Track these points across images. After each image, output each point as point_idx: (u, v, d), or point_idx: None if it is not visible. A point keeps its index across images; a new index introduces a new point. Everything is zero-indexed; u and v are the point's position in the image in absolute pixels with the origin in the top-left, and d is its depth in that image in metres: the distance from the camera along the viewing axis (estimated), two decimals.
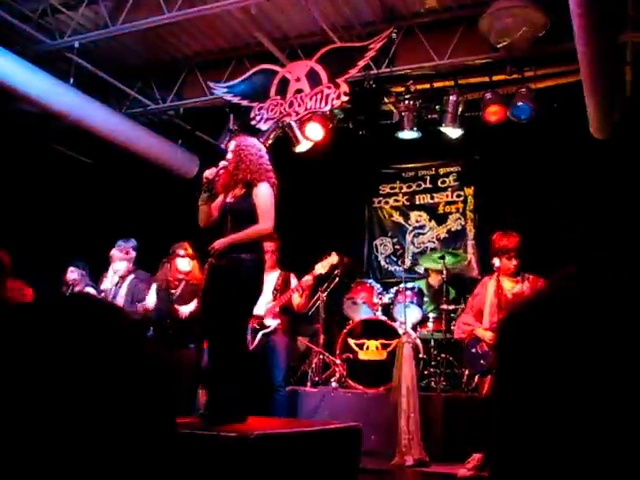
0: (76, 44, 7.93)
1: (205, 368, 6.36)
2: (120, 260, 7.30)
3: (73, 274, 7.83)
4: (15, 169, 9.35)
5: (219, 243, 4.93)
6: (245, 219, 4.96)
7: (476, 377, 6.63)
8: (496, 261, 5.84)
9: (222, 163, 5.13)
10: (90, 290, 7.73)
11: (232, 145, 5.22)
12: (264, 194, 5.01)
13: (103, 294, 7.35)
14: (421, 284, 8.16)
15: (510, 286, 5.84)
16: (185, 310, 6.72)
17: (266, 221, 4.95)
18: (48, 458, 0.90)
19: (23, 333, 0.97)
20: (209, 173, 5.08)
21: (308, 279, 7.28)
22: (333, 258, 7.36)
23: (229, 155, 5.14)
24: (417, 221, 9.61)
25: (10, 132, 9.31)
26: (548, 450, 0.84)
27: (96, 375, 0.94)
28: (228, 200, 5.09)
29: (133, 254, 7.39)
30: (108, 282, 7.42)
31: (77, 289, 7.75)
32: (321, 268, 7.29)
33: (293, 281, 7.38)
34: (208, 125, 9.61)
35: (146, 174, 9.69)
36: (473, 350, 5.85)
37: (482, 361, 5.75)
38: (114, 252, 7.35)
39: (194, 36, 8.44)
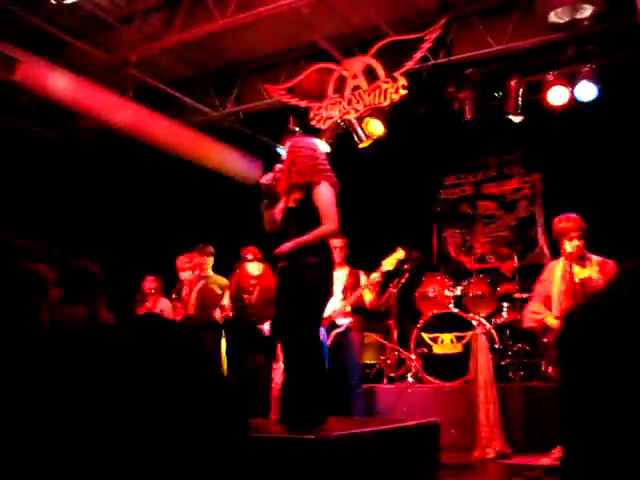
0: (133, 58, 8.06)
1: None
2: (187, 269, 7.38)
3: (152, 283, 7.94)
4: (83, 185, 9.57)
5: (284, 247, 4.92)
6: (308, 222, 4.92)
7: (550, 368, 6.49)
8: (565, 243, 5.64)
9: (277, 167, 5.10)
10: (164, 301, 7.85)
11: (286, 147, 5.19)
12: (324, 194, 4.95)
13: (176, 303, 7.46)
14: (493, 274, 8.02)
15: (577, 270, 5.58)
16: (267, 326, 6.74)
17: (330, 222, 4.90)
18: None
19: (104, 354, 0.98)
20: (265, 179, 5.04)
21: (375, 276, 7.25)
22: (399, 254, 7.31)
23: (284, 157, 5.12)
24: (485, 210, 9.46)
25: (75, 151, 9.55)
26: (616, 442, 0.81)
27: (172, 392, 0.95)
28: (289, 204, 5.07)
29: (200, 261, 7.44)
30: (180, 291, 7.53)
31: (152, 299, 7.87)
32: (388, 265, 7.25)
33: (363, 278, 7.35)
34: (269, 128, 9.64)
35: (211, 182, 9.80)
36: (545, 340, 5.68)
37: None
38: (180, 261, 7.44)
39: (248, 40, 8.46)
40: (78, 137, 9.53)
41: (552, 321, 5.53)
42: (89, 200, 9.60)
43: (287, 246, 4.90)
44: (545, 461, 5.27)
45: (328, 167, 5.07)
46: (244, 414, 1.01)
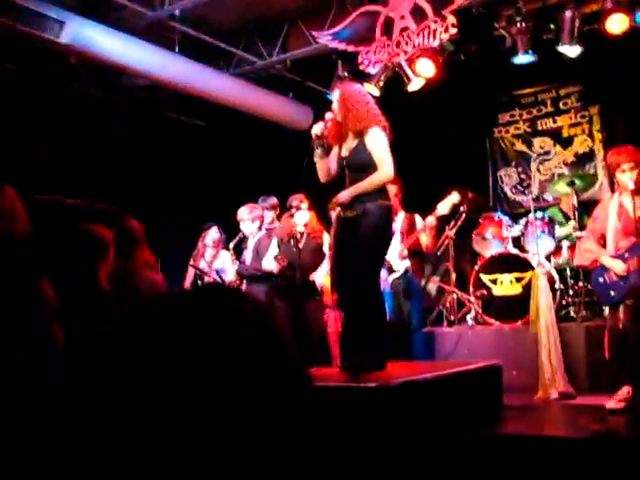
0: (177, 11, 8.01)
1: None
2: (246, 220, 7.38)
3: (214, 235, 7.98)
4: (133, 141, 9.64)
5: (343, 196, 4.90)
6: (363, 169, 4.89)
7: (606, 308, 6.34)
8: (620, 177, 5.39)
9: (328, 115, 5.05)
10: (225, 253, 7.89)
11: (336, 94, 5.11)
12: (378, 140, 4.90)
13: (231, 253, 7.50)
14: (552, 212, 7.86)
15: (634, 205, 5.24)
16: (319, 278, 6.74)
17: (385, 167, 4.86)
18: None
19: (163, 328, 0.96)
20: (317, 129, 4.99)
21: (431, 220, 7.21)
22: (454, 197, 7.23)
23: (334, 105, 5.05)
24: (541, 147, 9.24)
25: (124, 106, 9.59)
26: None
27: (233, 362, 0.93)
28: (343, 154, 5.03)
29: (260, 213, 7.44)
30: (241, 243, 7.54)
31: (213, 251, 7.91)
32: (443, 208, 7.19)
33: (419, 222, 7.31)
34: (318, 75, 9.53)
35: (260, 131, 9.78)
36: (600, 280, 5.44)
37: (612, 292, 5.36)
38: (241, 212, 7.43)
39: None
40: (128, 95, 9.57)
41: (609, 261, 5.36)
42: (144, 157, 9.67)
43: (346, 194, 4.88)
44: (610, 404, 5.20)
45: (379, 111, 5.01)
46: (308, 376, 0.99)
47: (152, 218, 9.16)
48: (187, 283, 8.09)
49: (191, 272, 8.11)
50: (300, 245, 6.80)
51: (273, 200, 7.82)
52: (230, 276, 7.85)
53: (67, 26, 6.73)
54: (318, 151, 5.01)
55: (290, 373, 1.01)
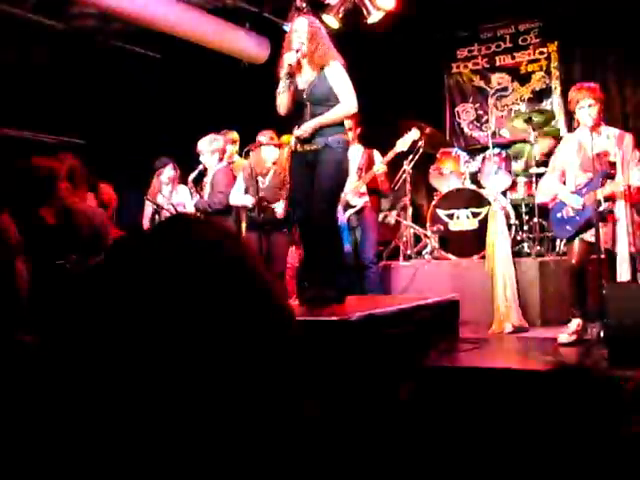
0: None
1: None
2: (207, 152, 7.26)
3: (170, 171, 7.85)
4: (83, 73, 9.37)
5: (306, 127, 4.85)
6: (325, 102, 4.86)
7: (562, 243, 6.47)
8: (579, 113, 5.43)
9: (296, 45, 4.94)
10: (183, 188, 7.80)
11: (302, 25, 4.98)
12: (340, 72, 4.88)
13: (190, 186, 7.40)
14: (508, 148, 7.88)
15: (593, 143, 5.27)
16: (280, 209, 6.70)
17: (350, 99, 4.85)
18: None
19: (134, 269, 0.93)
20: (292, 59, 4.89)
21: (389, 156, 7.22)
22: (414, 133, 7.22)
23: (300, 35, 4.94)
24: (499, 83, 9.20)
25: (73, 37, 9.28)
26: None
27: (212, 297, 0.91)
28: (300, 87, 4.96)
29: (220, 145, 7.32)
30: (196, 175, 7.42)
31: (170, 187, 7.81)
32: (402, 145, 7.19)
33: (377, 158, 7.30)
34: (274, 5, 9.31)
35: (217, 63, 9.57)
36: (559, 215, 5.54)
37: (568, 226, 5.45)
38: (201, 144, 7.30)
39: None
40: (78, 24, 9.25)
41: (568, 196, 5.44)
42: (96, 89, 9.43)
43: (310, 125, 4.83)
44: (562, 337, 5.34)
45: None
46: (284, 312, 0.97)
47: (106, 153, 9.03)
48: (145, 219, 8.00)
49: (149, 208, 8.01)
50: (267, 180, 6.77)
51: (233, 134, 7.72)
52: (189, 209, 7.79)
53: None
54: (287, 82, 4.91)
55: (269, 304, 0.98)
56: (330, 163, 4.81)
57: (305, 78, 4.94)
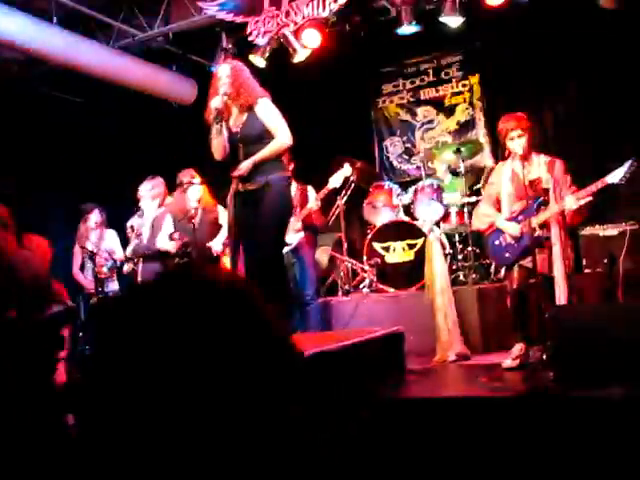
0: None
1: None
2: (148, 198, 7.20)
3: (97, 216, 7.75)
4: (4, 118, 9.18)
5: (244, 166, 4.84)
6: (258, 141, 4.88)
7: (502, 270, 6.59)
8: (509, 143, 5.59)
9: (223, 89, 4.95)
10: (110, 232, 7.71)
11: (226, 70, 5.03)
12: (270, 108, 4.93)
13: (129, 231, 7.31)
14: (439, 180, 8.04)
15: (526, 171, 5.45)
16: (217, 246, 6.66)
17: (283, 133, 4.87)
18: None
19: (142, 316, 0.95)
20: (218, 103, 4.90)
21: (323, 193, 7.30)
22: (346, 170, 7.32)
23: (225, 81, 4.97)
24: (425, 116, 9.41)
25: None
26: None
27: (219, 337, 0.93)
28: (233, 130, 4.98)
29: (160, 190, 7.26)
30: (136, 220, 7.33)
31: (97, 232, 7.71)
32: (335, 181, 7.30)
33: (311, 194, 7.34)
34: (200, 47, 9.33)
35: (143, 106, 9.51)
36: (497, 242, 5.67)
37: (507, 254, 5.57)
38: (143, 189, 7.23)
39: None
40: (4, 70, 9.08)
41: (504, 224, 5.57)
42: (18, 135, 9.23)
43: (247, 164, 4.83)
44: (506, 362, 5.42)
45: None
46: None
47: (30, 201, 8.83)
48: (75, 266, 7.86)
49: (78, 254, 7.89)
50: (195, 221, 6.71)
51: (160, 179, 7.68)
52: (119, 255, 7.69)
53: None
54: (217, 126, 4.92)
55: (275, 342, 1.02)
56: (273, 200, 4.81)
57: (236, 121, 4.97)
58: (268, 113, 4.90)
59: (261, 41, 7.64)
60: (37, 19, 7.69)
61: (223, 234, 6.68)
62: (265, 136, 4.86)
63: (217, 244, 6.72)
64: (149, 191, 7.22)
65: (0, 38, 7.34)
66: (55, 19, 7.89)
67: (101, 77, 8.54)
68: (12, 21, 7.34)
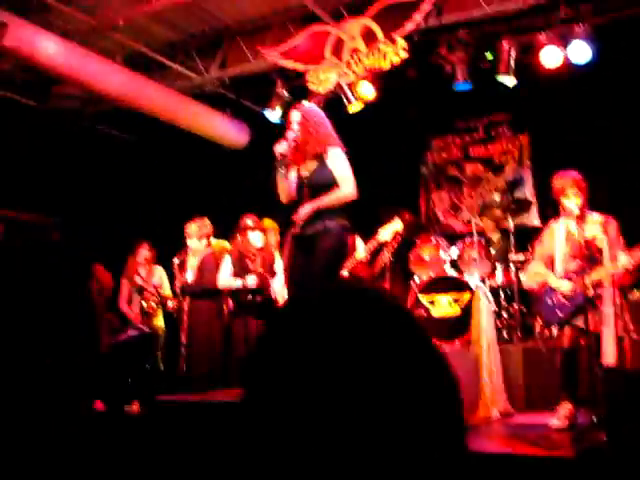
0: (120, 21, 7.85)
1: None
2: (195, 237, 7.29)
3: (146, 252, 7.85)
4: (60, 152, 9.39)
5: (303, 212, 4.87)
6: (325, 189, 4.89)
7: (553, 328, 6.51)
8: (565, 202, 5.58)
9: (290, 135, 5.01)
10: (159, 269, 7.79)
11: (296, 116, 5.10)
12: (339, 158, 4.95)
13: (176, 269, 7.39)
14: (485, 236, 8.03)
15: (580, 230, 5.44)
16: (278, 288, 6.70)
17: (348, 184, 4.90)
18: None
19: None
20: (282, 148, 4.95)
21: (373, 245, 7.31)
22: (397, 225, 7.32)
23: (295, 127, 5.03)
24: (473, 173, 9.45)
25: (52, 116, 9.34)
26: None
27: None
28: (303, 174, 5.02)
29: (207, 231, 7.36)
30: (184, 259, 7.42)
31: (146, 267, 7.79)
32: (384, 234, 7.29)
33: (359, 244, 7.36)
34: (254, 93, 9.50)
35: (194, 147, 9.68)
36: (548, 301, 5.62)
37: (559, 312, 5.54)
38: (190, 228, 7.32)
39: (236, 3, 8.28)
40: (57, 104, 9.32)
41: (557, 282, 5.53)
42: (71, 169, 9.43)
43: (308, 208, 4.85)
44: (555, 422, 5.33)
45: (335, 134, 5.07)
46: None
47: (83, 233, 8.99)
48: (122, 300, 7.92)
49: (125, 287, 7.95)
50: (255, 265, 6.76)
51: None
52: (166, 291, 7.77)
53: (10, 28, 6.49)
54: (282, 170, 4.96)
55: (437, 362, 1.01)
56: (329, 247, 4.81)
57: (307, 166, 5.00)
58: (337, 163, 4.92)
59: (321, 90, 7.75)
60: (102, 57, 7.90)
61: (280, 279, 6.73)
62: (332, 184, 4.88)
63: (277, 284, 6.76)
64: (196, 231, 7.31)
65: (65, 73, 7.54)
66: (119, 58, 8.10)
67: (158, 116, 8.74)
68: (77, 58, 7.56)
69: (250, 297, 6.66)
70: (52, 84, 8.81)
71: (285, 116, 8.22)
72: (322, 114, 5.15)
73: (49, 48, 7.01)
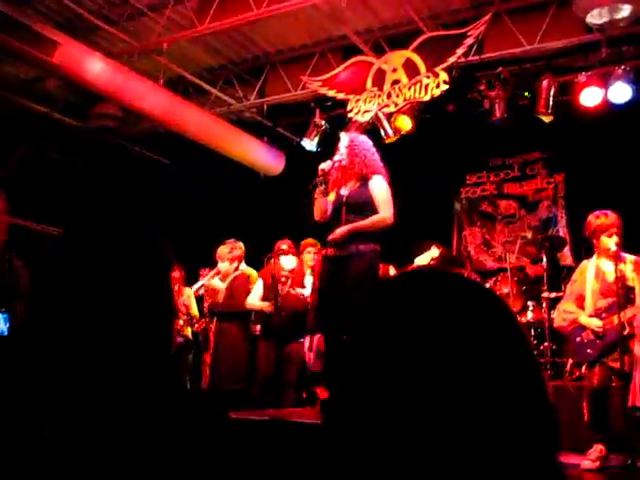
0: (164, 45, 7.98)
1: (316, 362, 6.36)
2: (227, 259, 7.33)
3: (175, 273, 7.90)
4: (95, 170, 9.51)
5: (339, 233, 4.91)
6: (362, 210, 4.95)
7: (583, 367, 6.43)
8: (601, 241, 5.55)
9: (337, 157, 5.14)
10: (188, 290, 7.83)
11: (345, 140, 5.22)
12: (381, 185, 5.04)
13: (205, 291, 7.42)
14: (518, 273, 7.98)
15: (611, 269, 5.43)
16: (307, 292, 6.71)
17: (386, 210, 4.94)
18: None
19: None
20: (326, 166, 5.08)
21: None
22: (434, 252, 7.30)
23: (342, 150, 5.14)
24: (507, 210, 9.43)
25: (90, 134, 9.48)
26: None
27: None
28: (342, 192, 5.08)
29: (238, 253, 7.40)
30: (214, 281, 7.47)
31: (176, 288, 7.83)
32: (422, 260, 7.26)
33: (392, 273, 7.35)
34: (292, 121, 9.59)
35: (228, 172, 9.75)
36: (578, 339, 5.57)
37: (589, 350, 5.48)
38: (222, 251, 7.38)
39: (277, 32, 8.40)
40: (97, 123, 9.45)
41: (588, 320, 5.48)
42: (108, 188, 9.53)
43: (342, 231, 4.89)
44: (586, 463, 5.24)
45: (382, 164, 5.15)
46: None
47: None
48: None
49: None
50: (285, 288, 6.78)
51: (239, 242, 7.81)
52: (195, 311, 7.81)
53: (60, 46, 6.65)
54: (321, 187, 5.05)
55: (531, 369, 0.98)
56: (361, 270, 4.83)
57: (348, 186, 5.06)
58: (379, 190, 5.01)
59: (362, 119, 7.80)
60: (144, 78, 8.03)
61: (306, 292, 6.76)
62: (370, 208, 4.94)
63: (306, 292, 6.79)
64: (227, 253, 7.35)
65: (108, 91, 7.67)
66: (162, 80, 8.22)
67: (195, 139, 8.83)
68: (120, 77, 7.69)
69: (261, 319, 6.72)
70: (93, 104, 8.94)
71: (322, 145, 8.37)
72: (370, 144, 5.27)
73: (95, 67, 7.16)
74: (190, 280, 8.24)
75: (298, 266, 6.94)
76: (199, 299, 8.07)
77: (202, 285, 7.71)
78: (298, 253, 6.96)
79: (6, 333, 4.02)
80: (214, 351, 7.10)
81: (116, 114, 9.07)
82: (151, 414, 1.23)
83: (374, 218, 4.92)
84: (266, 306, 6.77)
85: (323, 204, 5.10)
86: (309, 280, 6.81)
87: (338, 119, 8.41)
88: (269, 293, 6.76)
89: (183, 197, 10.16)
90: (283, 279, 6.84)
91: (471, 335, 0.90)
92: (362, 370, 0.92)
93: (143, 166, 10.26)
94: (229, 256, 7.30)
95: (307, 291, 6.80)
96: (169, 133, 9.03)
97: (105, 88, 7.47)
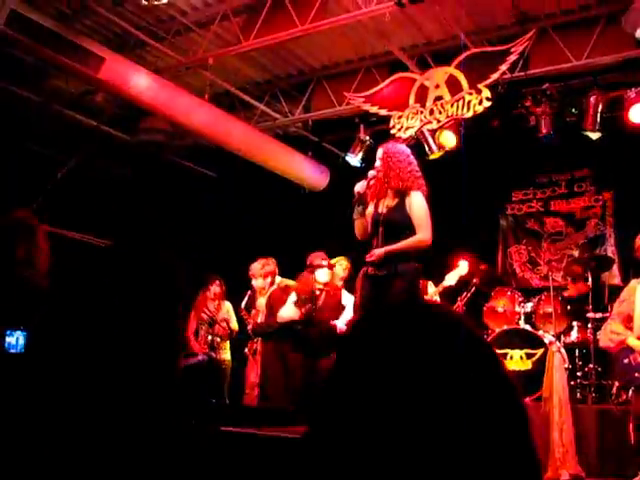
0: (210, 61, 8.08)
1: None
2: (259, 276, 7.38)
3: (217, 287, 7.97)
4: (142, 183, 9.65)
5: (377, 255, 4.87)
6: (400, 230, 4.90)
7: (630, 390, 6.28)
8: None
9: (371, 173, 5.09)
10: (228, 304, 7.89)
11: (379, 152, 5.17)
12: (419, 203, 4.94)
13: (244, 313, 7.50)
14: (562, 291, 7.85)
15: None
16: (341, 324, 6.70)
17: (425, 231, 4.88)
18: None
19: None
20: (360, 187, 5.04)
21: (438, 289, 7.24)
22: (462, 269, 7.24)
23: (377, 163, 5.10)
24: (553, 227, 9.29)
25: (139, 147, 9.63)
26: None
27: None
28: (380, 210, 5.04)
29: (270, 268, 7.44)
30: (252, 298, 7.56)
31: (216, 302, 7.90)
32: (450, 280, 7.21)
33: (431, 290, 7.30)
34: (337, 137, 9.61)
35: (272, 187, 9.80)
36: (625, 361, 5.44)
37: (637, 374, 5.37)
38: (254, 268, 7.43)
39: (323, 48, 8.45)
40: (145, 137, 9.60)
41: (636, 342, 5.36)
42: (151, 200, 9.66)
43: (380, 252, 4.85)
44: None
45: (421, 175, 5.06)
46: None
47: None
48: (189, 331, 8.01)
49: (193, 320, 8.06)
50: (319, 302, 6.77)
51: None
52: (235, 325, 7.87)
53: (106, 62, 6.78)
54: (359, 209, 5.02)
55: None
56: (402, 289, 4.79)
57: (386, 203, 5.01)
58: (417, 207, 4.93)
59: (404, 135, 7.76)
60: (191, 94, 8.14)
61: (347, 314, 6.72)
62: (408, 227, 4.88)
63: (341, 323, 6.75)
64: (260, 269, 7.40)
65: (154, 106, 7.79)
66: (207, 96, 8.32)
67: (240, 153, 8.91)
68: (166, 93, 7.80)
69: (294, 329, 6.71)
70: (140, 117, 9.09)
71: (366, 161, 8.37)
72: (408, 154, 5.16)
73: (141, 82, 7.28)
74: (234, 293, 8.28)
75: (332, 282, 6.93)
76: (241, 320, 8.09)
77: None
78: (330, 265, 6.94)
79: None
80: (262, 370, 7.13)
81: (164, 128, 9.21)
82: (144, 434, 1.23)
83: (410, 241, 4.87)
84: (294, 313, 6.76)
85: (362, 224, 5.08)
86: (346, 296, 6.80)
87: (383, 134, 8.38)
88: (300, 305, 6.76)
89: (227, 211, 10.24)
90: (317, 292, 6.85)
91: (448, 377, 0.91)
92: (337, 409, 0.91)
93: (190, 179, 10.37)
94: (261, 272, 7.35)
95: (341, 323, 6.78)
96: (215, 147, 9.13)
97: (150, 103, 7.58)
